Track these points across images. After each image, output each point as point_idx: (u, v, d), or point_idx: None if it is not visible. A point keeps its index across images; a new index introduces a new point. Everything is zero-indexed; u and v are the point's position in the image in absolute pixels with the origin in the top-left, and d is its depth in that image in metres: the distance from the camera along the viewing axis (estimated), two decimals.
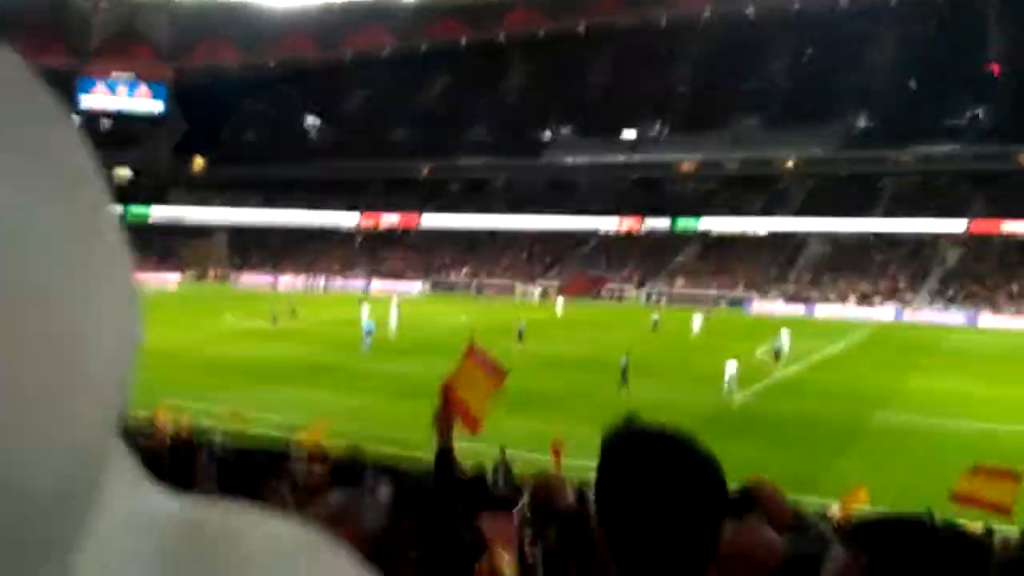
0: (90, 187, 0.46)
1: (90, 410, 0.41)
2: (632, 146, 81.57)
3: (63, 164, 0.44)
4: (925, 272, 62.48)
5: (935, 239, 65.55)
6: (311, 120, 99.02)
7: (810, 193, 73.85)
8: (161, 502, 0.49)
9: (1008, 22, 76.60)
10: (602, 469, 1.41)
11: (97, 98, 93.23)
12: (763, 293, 63.58)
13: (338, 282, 75.34)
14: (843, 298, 60.39)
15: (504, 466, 14.07)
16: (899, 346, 41.50)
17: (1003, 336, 47.41)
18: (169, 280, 76.71)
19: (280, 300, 49.92)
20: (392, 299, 47.32)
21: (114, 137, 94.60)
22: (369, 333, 35.61)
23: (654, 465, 1.36)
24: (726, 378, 27.01)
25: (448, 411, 3.70)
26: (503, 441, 15.77)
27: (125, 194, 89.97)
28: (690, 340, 41.38)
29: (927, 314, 56.12)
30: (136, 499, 0.49)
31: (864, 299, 59.80)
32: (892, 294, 59.83)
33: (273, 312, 44.24)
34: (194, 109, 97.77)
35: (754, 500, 2.24)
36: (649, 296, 65.90)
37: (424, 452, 15.91)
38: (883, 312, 57.17)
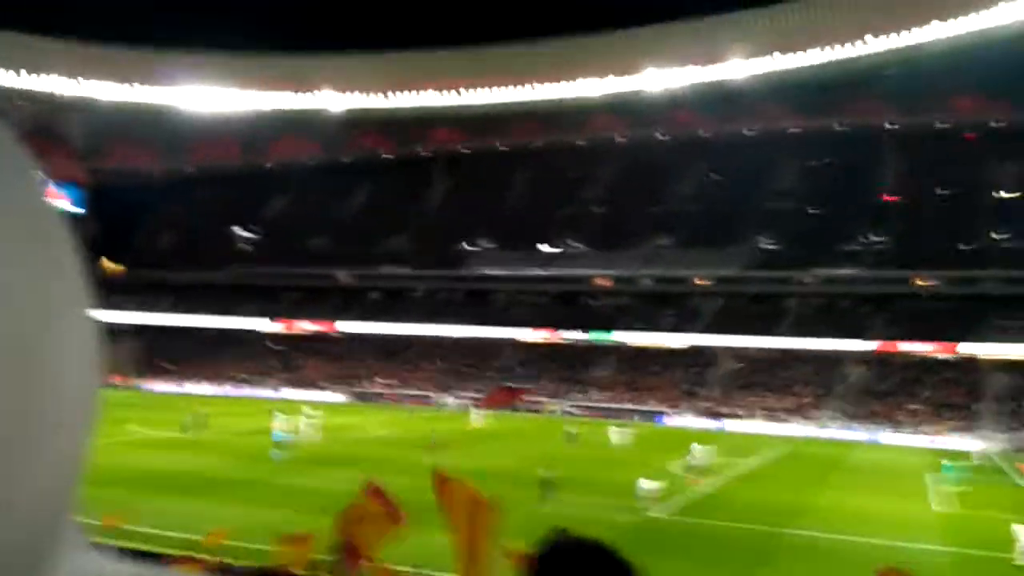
0: (53, 230, 0.45)
1: (54, 472, 0.39)
2: (549, 260, 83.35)
3: (29, 211, 0.43)
4: (829, 389, 64.64)
5: (839, 357, 68.15)
6: (239, 231, 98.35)
7: (720, 311, 76.34)
8: (107, 565, 0.48)
9: (902, 153, 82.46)
10: None
11: None
12: (676, 407, 64.62)
13: (249, 390, 73.55)
14: (752, 413, 61.82)
15: None
16: (807, 462, 42.51)
17: (904, 452, 49.07)
18: None
19: (191, 408, 48.28)
20: (304, 408, 46.55)
21: None
22: (280, 443, 34.73)
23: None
24: (641, 493, 27.23)
25: (345, 545, 3.57)
26: (415, 558, 15.44)
27: None
28: (607, 452, 41.58)
29: (832, 430, 57.81)
30: (84, 563, 0.46)
31: (772, 414, 61.33)
32: (799, 410, 61.56)
33: (184, 421, 42.83)
34: (108, 211, 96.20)
35: None
36: (566, 409, 66.22)
37: None
38: (791, 428, 58.68)
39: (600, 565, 1.40)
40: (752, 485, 34.04)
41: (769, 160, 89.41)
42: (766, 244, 79.74)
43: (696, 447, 36.33)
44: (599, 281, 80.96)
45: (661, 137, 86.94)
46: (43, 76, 78.89)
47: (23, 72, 78.19)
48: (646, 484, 27.45)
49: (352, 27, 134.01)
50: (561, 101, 79.89)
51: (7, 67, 77.47)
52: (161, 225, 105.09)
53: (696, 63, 73.43)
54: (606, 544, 1.45)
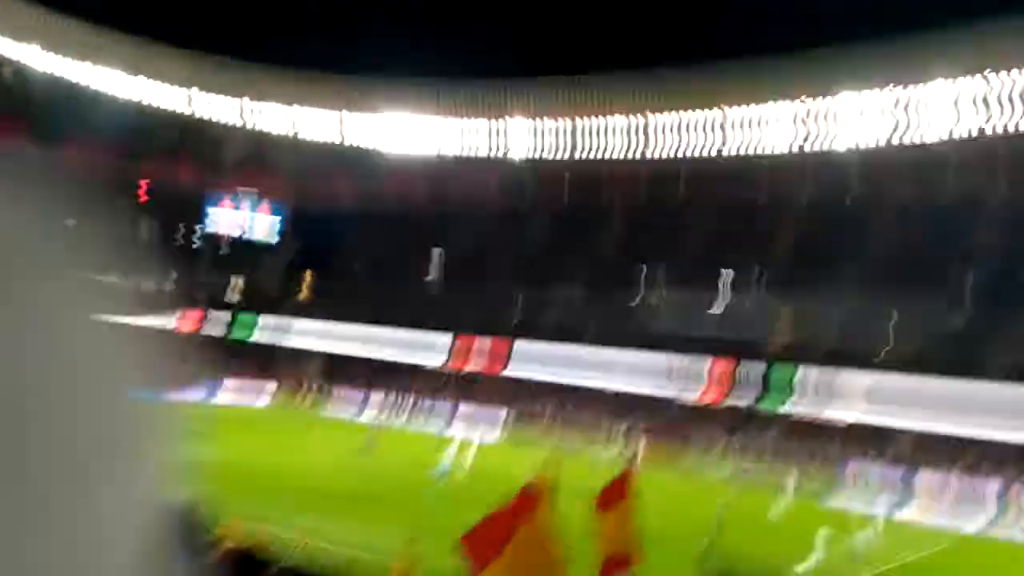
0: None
1: None
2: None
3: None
4: None
5: None
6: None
7: None
8: None
9: None
10: None
11: (223, 212, 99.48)
12: None
13: (424, 413, 75.56)
14: None
15: None
16: None
17: None
18: (261, 395, 79.04)
19: (368, 428, 50.47)
20: (475, 438, 47.68)
21: (233, 254, 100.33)
22: (444, 474, 35.58)
23: None
24: None
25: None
26: None
27: (237, 307, 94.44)
28: None
29: None
30: None
31: None
32: None
33: (367, 440, 44.69)
34: (308, 234, 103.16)
35: None
36: None
37: None
38: None
39: None
40: None
41: None
42: None
43: None
44: None
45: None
46: (263, 107, 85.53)
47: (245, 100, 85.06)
48: None
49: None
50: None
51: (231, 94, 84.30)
52: (355, 250, 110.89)
53: None
54: None
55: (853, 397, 60.46)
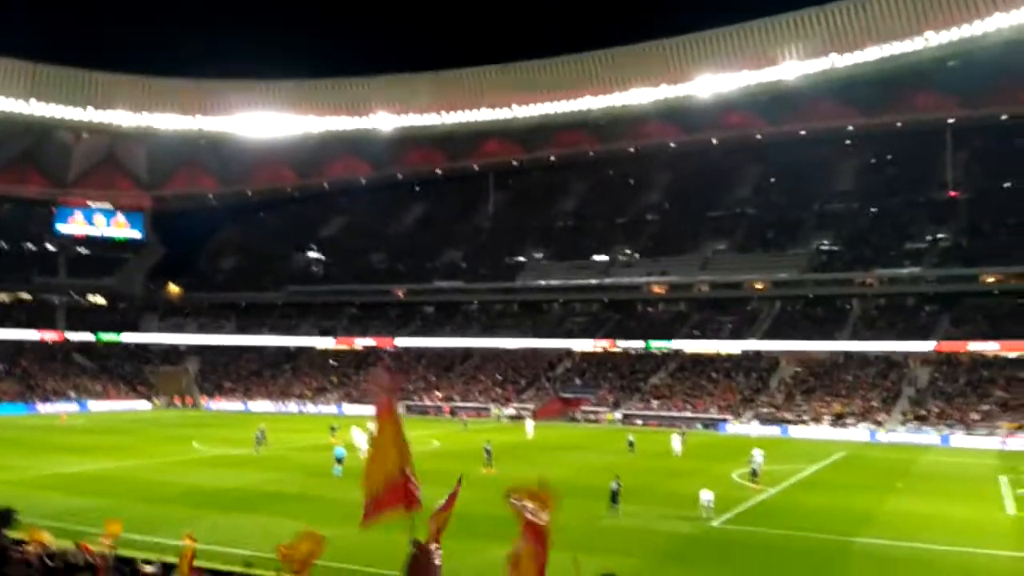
0: None
1: None
2: (603, 269, 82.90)
3: None
4: (896, 392, 62.94)
5: (905, 359, 66.37)
6: (310, 254, 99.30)
7: (778, 315, 74.99)
8: None
9: (962, 148, 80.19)
10: None
11: (74, 227, 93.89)
12: (737, 414, 63.54)
13: (310, 407, 74.58)
14: (817, 419, 60.45)
15: None
16: (874, 467, 41.34)
17: (974, 455, 47.45)
18: (139, 407, 75.61)
19: (253, 426, 48.92)
20: (367, 424, 46.89)
21: (90, 263, 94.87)
22: (340, 459, 34.97)
23: None
24: (702, 503, 26.75)
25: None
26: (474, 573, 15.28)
27: (97, 321, 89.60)
28: (669, 462, 40.99)
29: (900, 434, 56.22)
30: None
31: (838, 419, 59.90)
32: (865, 414, 60.00)
33: (256, 436, 43.44)
34: (171, 235, 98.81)
35: None
36: (626, 417, 65.62)
37: None
38: (856, 432, 57.21)
39: None
40: (817, 492, 33.18)
41: (827, 160, 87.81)
42: (826, 246, 78.18)
43: (757, 451, 35.66)
44: (655, 289, 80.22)
45: (714, 141, 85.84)
46: (108, 110, 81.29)
47: (89, 108, 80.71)
48: (707, 495, 26.95)
49: (403, 48, 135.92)
50: (613, 110, 79.26)
51: (74, 103, 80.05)
52: (224, 248, 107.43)
53: (748, 67, 72.26)
54: None
55: None
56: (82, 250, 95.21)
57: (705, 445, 48.58)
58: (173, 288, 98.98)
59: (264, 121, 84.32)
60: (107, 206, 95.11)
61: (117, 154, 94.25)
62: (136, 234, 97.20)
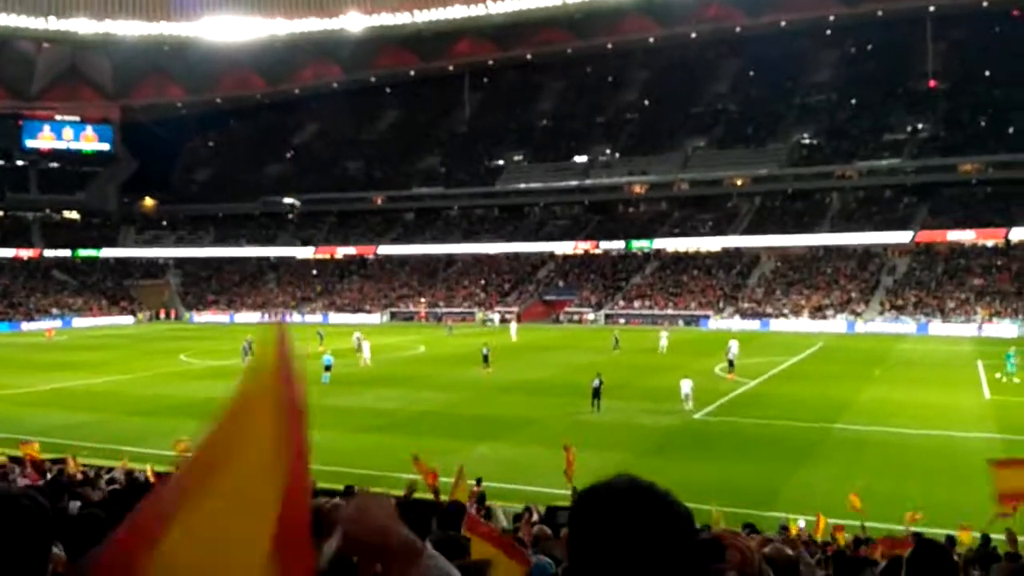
0: None
1: None
2: (583, 170, 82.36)
3: None
4: (875, 283, 63.76)
5: (883, 250, 67.01)
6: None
7: (759, 211, 75.16)
8: None
9: (942, 38, 79.10)
10: (573, 528, 1.42)
11: (43, 141, 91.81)
12: (718, 310, 64.33)
13: (294, 316, 74.73)
14: (797, 312, 61.33)
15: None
16: (853, 358, 42.17)
17: (951, 343, 48.49)
18: (122, 322, 75.57)
19: (239, 337, 49.12)
20: (356, 333, 47.52)
21: (62, 179, 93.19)
22: (329, 367, 35.28)
23: (625, 522, 1.35)
24: (683, 395, 27.39)
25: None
26: (485, 466, 15.59)
27: (74, 237, 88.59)
28: (654, 358, 41.67)
29: (878, 324, 57.23)
30: None
31: (817, 312, 60.80)
32: (844, 305, 60.90)
33: (243, 348, 43.43)
34: (142, 148, 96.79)
35: (723, 548, 2.25)
36: (608, 317, 66.33)
37: (387, 485, 15.74)
38: (835, 324, 58.17)
39: (638, 511, 1.36)
40: (796, 382, 33.91)
41: (806, 52, 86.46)
42: (805, 139, 77.80)
43: (733, 343, 36.33)
44: (635, 189, 79.95)
45: (693, 35, 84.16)
46: (69, 19, 78.42)
47: (51, 17, 77.83)
48: (687, 386, 27.52)
49: None
50: (589, 4, 77.27)
51: (35, 13, 77.13)
52: (195, 160, 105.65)
53: None
54: (649, 486, 1.40)
55: None
56: (52, 165, 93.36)
57: (687, 341, 49.32)
58: (148, 201, 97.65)
59: (230, 24, 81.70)
60: (75, 119, 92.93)
61: (81, 64, 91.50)
62: (105, 147, 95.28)
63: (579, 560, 1.38)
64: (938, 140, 71.48)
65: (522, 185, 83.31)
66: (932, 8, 74.63)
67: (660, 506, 1.37)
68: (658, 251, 74.12)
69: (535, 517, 11.39)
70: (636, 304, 67.99)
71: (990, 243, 63.59)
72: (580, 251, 76.53)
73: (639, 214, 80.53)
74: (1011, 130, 68.43)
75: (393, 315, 72.76)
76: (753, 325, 59.88)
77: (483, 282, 76.68)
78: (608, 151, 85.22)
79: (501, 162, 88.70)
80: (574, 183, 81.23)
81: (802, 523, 14.37)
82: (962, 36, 79.84)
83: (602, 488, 1.41)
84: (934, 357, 41.91)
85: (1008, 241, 62.68)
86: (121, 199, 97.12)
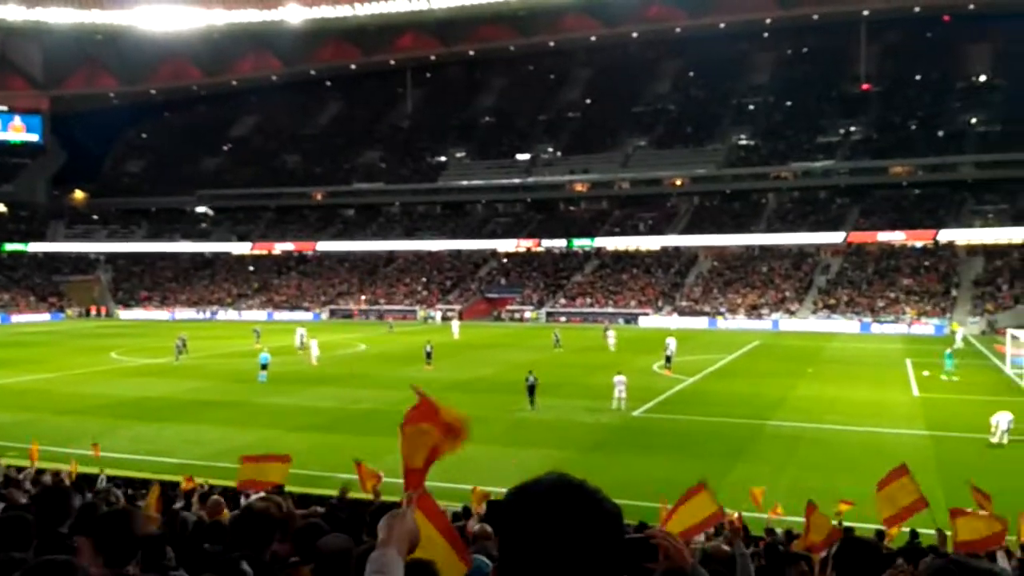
0: None
1: None
2: (526, 168, 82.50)
3: None
4: (808, 283, 65.16)
5: (817, 250, 68.51)
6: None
7: (697, 210, 76.23)
8: None
9: (875, 42, 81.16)
10: (503, 527, 1.41)
11: None
12: (657, 308, 65.04)
13: (230, 313, 73.37)
14: (733, 310, 62.36)
15: None
16: (787, 355, 43.03)
17: (883, 341, 49.81)
18: (51, 318, 73.36)
19: (172, 334, 48.03)
20: (299, 330, 47.07)
21: None
22: (265, 365, 34.70)
23: (553, 520, 1.35)
24: (616, 393, 27.54)
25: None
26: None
27: (1, 230, 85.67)
28: (593, 356, 41.91)
29: (812, 322, 58.52)
30: None
31: (753, 310, 61.90)
32: (779, 304, 62.12)
33: (176, 344, 42.51)
34: (72, 139, 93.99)
35: (655, 548, 2.23)
36: (550, 315, 66.57)
37: (323, 487, 15.50)
38: (770, 322, 59.33)
39: (568, 508, 1.37)
40: (732, 379, 34.44)
41: (745, 54, 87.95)
42: (743, 140, 79.12)
43: (670, 340, 36.78)
44: (577, 187, 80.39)
45: (635, 35, 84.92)
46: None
47: None
48: (620, 379, 27.68)
49: None
50: (530, 2, 77.46)
51: None
52: (128, 152, 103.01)
53: None
54: (579, 484, 1.42)
55: None
56: None
57: (627, 339, 49.75)
58: (78, 194, 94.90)
59: (165, 14, 79.87)
60: (3, 108, 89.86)
61: (10, 52, 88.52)
62: (34, 137, 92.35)
63: (509, 558, 1.39)
64: (870, 143, 73.37)
65: (464, 182, 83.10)
66: (866, 12, 76.53)
67: (589, 504, 1.38)
68: (599, 250, 74.65)
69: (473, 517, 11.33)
70: (577, 302, 68.37)
71: (919, 244, 65.47)
72: (522, 249, 76.68)
73: (580, 213, 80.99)
74: (941, 133, 70.72)
75: (332, 312, 71.95)
76: (691, 323, 60.68)
77: (424, 279, 76.29)
78: (550, 149, 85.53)
79: (443, 159, 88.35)
80: (516, 181, 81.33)
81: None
82: (895, 40, 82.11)
83: (531, 486, 1.41)
84: (865, 355, 42.96)
85: (936, 242, 64.61)
86: (50, 192, 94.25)
